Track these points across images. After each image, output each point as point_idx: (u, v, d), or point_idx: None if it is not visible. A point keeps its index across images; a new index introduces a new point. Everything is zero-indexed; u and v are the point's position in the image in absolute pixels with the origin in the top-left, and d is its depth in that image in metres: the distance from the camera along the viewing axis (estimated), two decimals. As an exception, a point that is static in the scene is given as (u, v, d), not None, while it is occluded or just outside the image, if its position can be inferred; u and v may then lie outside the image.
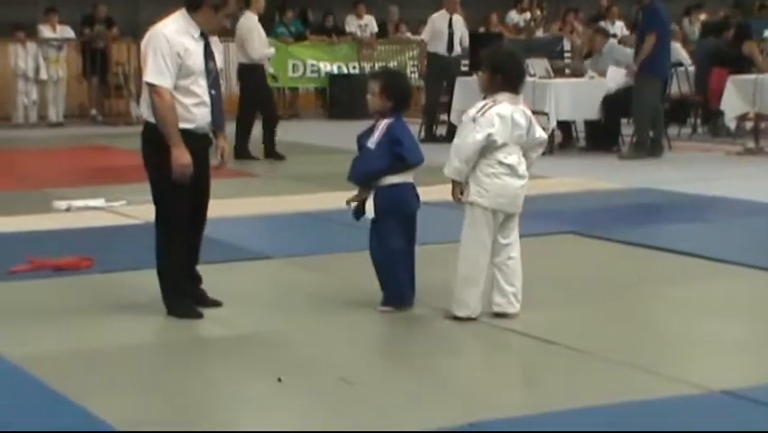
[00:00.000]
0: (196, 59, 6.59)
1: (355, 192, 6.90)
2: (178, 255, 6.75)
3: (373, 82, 6.93)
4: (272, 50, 15.99)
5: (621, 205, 10.98)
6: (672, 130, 16.32)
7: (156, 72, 6.52)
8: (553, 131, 15.25)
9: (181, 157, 6.52)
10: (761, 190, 11.38)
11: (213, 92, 6.69)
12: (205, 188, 6.83)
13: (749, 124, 16.02)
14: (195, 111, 6.61)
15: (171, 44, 6.52)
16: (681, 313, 7.00)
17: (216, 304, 6.85)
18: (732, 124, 16.24)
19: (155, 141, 6.61)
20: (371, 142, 6.75)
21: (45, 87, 20.05)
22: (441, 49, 16.86)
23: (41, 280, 7.71)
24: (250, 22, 14.52)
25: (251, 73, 14.74)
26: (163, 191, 6.69)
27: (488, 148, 6.47)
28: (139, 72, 20.78)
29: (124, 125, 19.46)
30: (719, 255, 8.33)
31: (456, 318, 6.54)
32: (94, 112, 20.71)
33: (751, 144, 15.28)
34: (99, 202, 10.74)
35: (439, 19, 16.98)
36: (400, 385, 5.59)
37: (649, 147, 14.51)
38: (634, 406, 5.13)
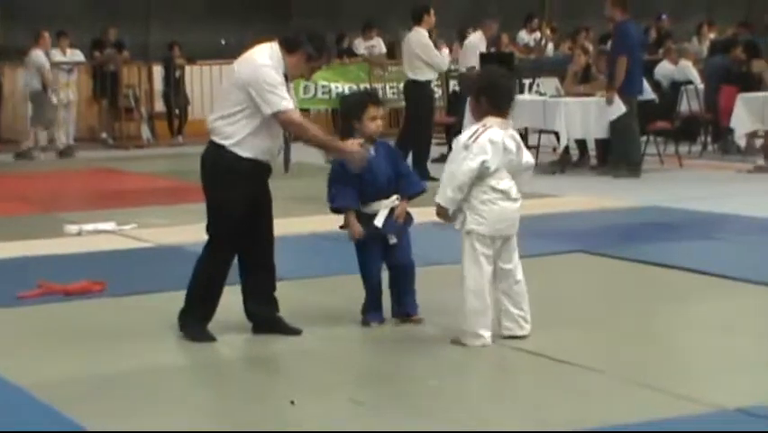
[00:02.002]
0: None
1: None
2: (216, 279, 6.74)
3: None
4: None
5: (631, 223, 10.97)
6: (683, 148, 16.31)
7: (278, 100, 6.52)
8: (566, 149, 15.28)
9: (348, 147, 6.71)
10: (771, 208, 11.35)
11: (287, 134, 6.77)
12: (267, 212, 6.88)
13: (759, 142, 16.00)
14: (272, 146, 6.70)
15: (277, 73, 6.58)
16: (692, 331, 6.98)
17: (295, 332, 6.80)
18: (742, 142, 16.23)
19: (221, 162, 6.63)
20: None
21: (56, 111, 20.06)
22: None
23: (51, 304, 7.71)
24: (424, 38, 14.20)
25: (424, 90, 14.40)
26: (219, 213, 6.70)
27: (480, 175, 6.43)
28: (150, 95, 21.04)
29: (135, 148, 19.51)
30: (730, 273, 8.30)
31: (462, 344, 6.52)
32: (104, 135, 20.76)
33: (761, 162, 15.25)
34: (110, 226, 10.75)
35: (476, 41, 16.91)
36: (412, 407, 5.58)
37: (627, 165, 14.53)
38: (647, 426, 5.10)
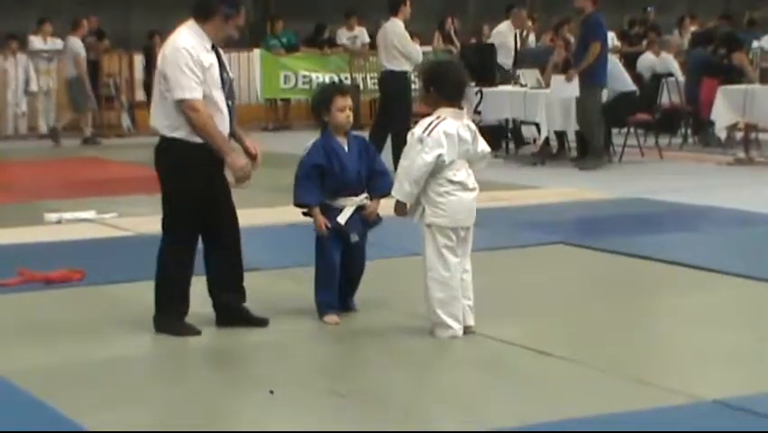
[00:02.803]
0: (214, 71, 6.57)
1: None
2: (182, 271, 6.67)
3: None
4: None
5: (612, 215, 10.99)
6: (663, 140, 16.36)
7: (185, 87, 6.44)
8: (546, 140, 15.31)
9: (237, 160, 6.53)
10: (752, 200, 11.39)
11: (229, 103, 6.67)
12: (224, 200, 6.76)
13: (739, 134, 16.05)
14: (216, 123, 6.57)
15: (195, 58, 6.48)
16: (671, 323, 7.00)
17: (262, 323, 6.75)
18: (722, 135, 16.27)
19: (172, 154, 6.58)
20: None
21: (35, 99, 20.03)
22: (508, 61, 16.82)
23: (31, 292, 7.69)
24: (400, 28, 14.14)
25: (400, 80, 14.14)
26: (176, 205, 6.64)
27: (437, 168, 6.40)
28: (130, 83, 20.99)
29: (115, 137, 19.45)
30: (710, 265, 8.33)
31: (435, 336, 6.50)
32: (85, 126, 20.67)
33: (741, 154, 15.31)
34: (90, 214, 10.72)
35: (505, 32, 16.87)
36: (393, 397, 5.58)
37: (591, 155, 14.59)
38: (625, 417, 5.12)
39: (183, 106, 6.47)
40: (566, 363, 6.03)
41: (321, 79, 21.58)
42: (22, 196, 12.47)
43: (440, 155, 6.35)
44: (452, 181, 6.44)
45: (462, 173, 6.50)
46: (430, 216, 6.44)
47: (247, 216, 10.69)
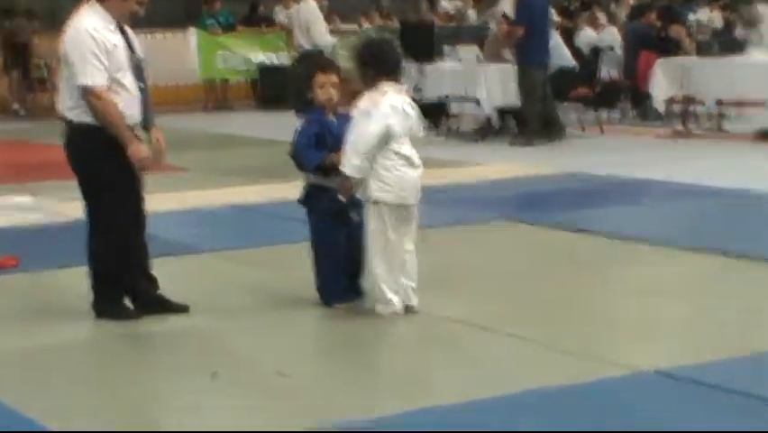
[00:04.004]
0: (120, 53, 6.39)
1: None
2: (119, 259, 6.55)
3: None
4: (334, 39, 15.38)
5: (553, 190, 11.03)
6: (603, 114, 16.42)
7: (88, 73, 6.26)
8: (488, 119, 15.32)
9: (139, 151, 6.32)
10: (690, 172, 11.47)
11: (141, 85, 6.51)
12: (139, 183, 6.59)
13: (678, 107, 16.15)
14: (125, 107, 6.38)
15: (98, 40, 6.30)
16: (613, 296, 7.04)
17: (182, 309, 6.62)
18: (661, 108, 16.36)
19: (83, 142, 6.40)
20: None
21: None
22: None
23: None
24: (313, 9, 14.07)
25: None
26: (99, 195, 6.47)
27: (385, 139, 6.34)
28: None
29: (48, 119, 19.18)
30: (651, 237, 8.38)
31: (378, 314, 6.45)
32: (16, 106, 20.44)
33: (680, 127, 15.41)
34: (25, 199, 10.58)
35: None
36: (338, 377, 5.56)
37: (550, 130, 14.63)
38: (567, 390, 5.12)
39: (85, 93, 6.30)
40: (510, 338, 6.03)
41: (260, 59, 21.48)
42: (-45, 182, 12.28)
43: (389, 125, 6.30)
44: (398, 154, 6.40)
45: (408, 148, 6.46)
46: (376, 190, 6.39)
47: (185, 199, 10.70)
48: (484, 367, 5.62)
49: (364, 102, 6.40)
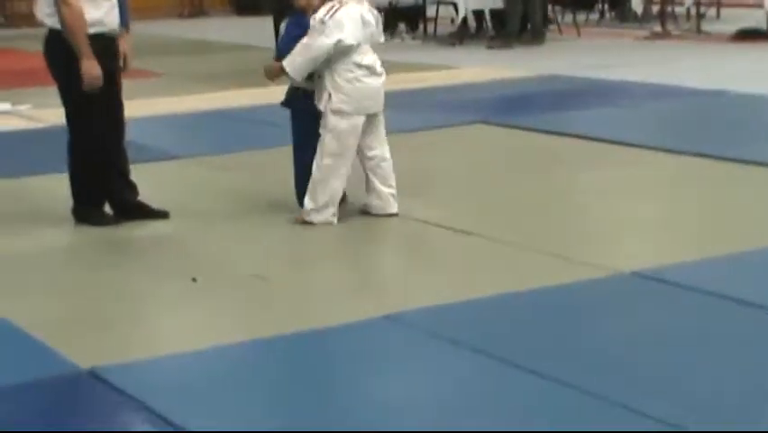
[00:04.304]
0: None
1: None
2: (98, 165, 6.54)
3: None
4: None
5: (530, 92, 11.03)
6: (581, 16, 16.37)
7: None
8: (464, 20, 15.25)
9: (92, 68, 6.27)
10: (669, 74, 11.49)
11: None
12: (118, 90, 6.58)
13: (656, 8, 16.10)
14: (104, 12, 6.35)
15: None
16: (590, 197, 7.07)
17: (163, 215, 6.63)
18: (639, 9, 16.32)
19: (60, 49, 6.35)
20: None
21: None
22: None
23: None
24: None
25: None
26: (77, 101, 6.43)
27: (342, 52, 6.31)
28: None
29: (27, 27, 19.03)
30: (629, 140, 8.41)
31: (308, 223, 6.43)
32: (-4, 15, 20.27)
33: (658, 28, 15.38)
34: (4, 106, 10.55)
35: None
36: (317, 281, 5.61)
37: (531, 34, 14.58)
38: (543, 291, 5.17)
39: (58, 0, 6.26)
40: (485, 240, 6.07)
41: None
42: (-68, 90, 12.20)
43: (340, 40, 6.27)
44: (359, 65, 6.38)
45: (370, 57, 6.45)
46: (336, 102, 6.37)
47: (163, 105, 10.67)
48: (458, 270, 5.66)
49: (322, 11, 6.36)
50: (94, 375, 4.30)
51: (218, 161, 8.22)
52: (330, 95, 6.38)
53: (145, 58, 13.76)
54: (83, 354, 4.50)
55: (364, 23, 6.42)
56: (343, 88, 6.38)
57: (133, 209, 6.65)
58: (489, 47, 14.40)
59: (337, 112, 6.38)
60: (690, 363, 4.28)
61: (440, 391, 4.13)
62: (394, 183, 6.59)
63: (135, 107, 9.86)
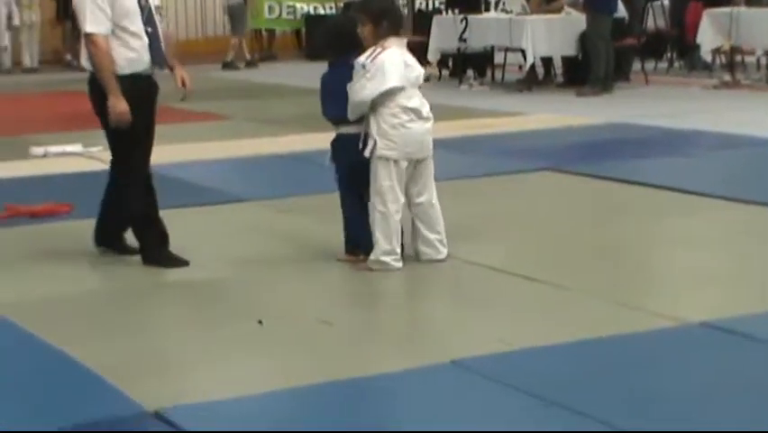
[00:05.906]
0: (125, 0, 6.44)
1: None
2: (149, 202, 6.66)
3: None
4: None
5: (599, 140, 10.99)
6: (649, 65, 16.31)
7: (92, 20, 6.37)
8: (532, 67, 15.25)
9: (118, 105, 6.39)
10: (737, 123, 11.40)
11: (149, 30, 6.52)
12: (152, 133, 6.70)
13: (725, 58, 16.01)
14: (134, 52, 6.48)
15: None
16: (659, 247, 7.03)
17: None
18: (708, 58, 16.24)
19: (100, 90, 6.49)
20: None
21: (19, 33, 19.89)
22: None
23: (17, 227, 7.67)
24: None
25: None
26: (119, 139, 6.56)
27: (386, 95, 6.32)
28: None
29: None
30: (698, 189, 8.35)
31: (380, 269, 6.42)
32: (69, 57, 20.53)
33: (727, 77, 15.28)
34: (76, 148, 10.67)
35: None
36: (380, 327, 5.61)
37: (604, 82, 14.56)
38: (611, 340, 5.13)
39: (86, 40, 6.44)
40: (551, 287, 6.04)
41: (305, 9, 21.47)
42: (7, 130, 12.38)
43: (382, 83, 6.28)
44: (405, 109, 6.39)
45: (416, 100, 6.46)
46: (381, 148, 6.38)
47: (232, 148, 10.75)
48: (523, 316, 5.64)
49: (364, 55, 6.38)
50: (159, 417, 4.32)
51: (284, 204, 8.25)
52: (376, 142, 6.40)
53: (212, 101, 13.95)
54: (148, 395, 4.53)
55: (406, 65, 6.44)
56: (389, 134, 6.38)
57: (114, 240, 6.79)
58: (580, 95, 14.33)
59: (381, 158, 6.39)
60: (763, 416, 4.22)
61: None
62: (442, 229, 6.56)
63: (203, 150, 10.01)
